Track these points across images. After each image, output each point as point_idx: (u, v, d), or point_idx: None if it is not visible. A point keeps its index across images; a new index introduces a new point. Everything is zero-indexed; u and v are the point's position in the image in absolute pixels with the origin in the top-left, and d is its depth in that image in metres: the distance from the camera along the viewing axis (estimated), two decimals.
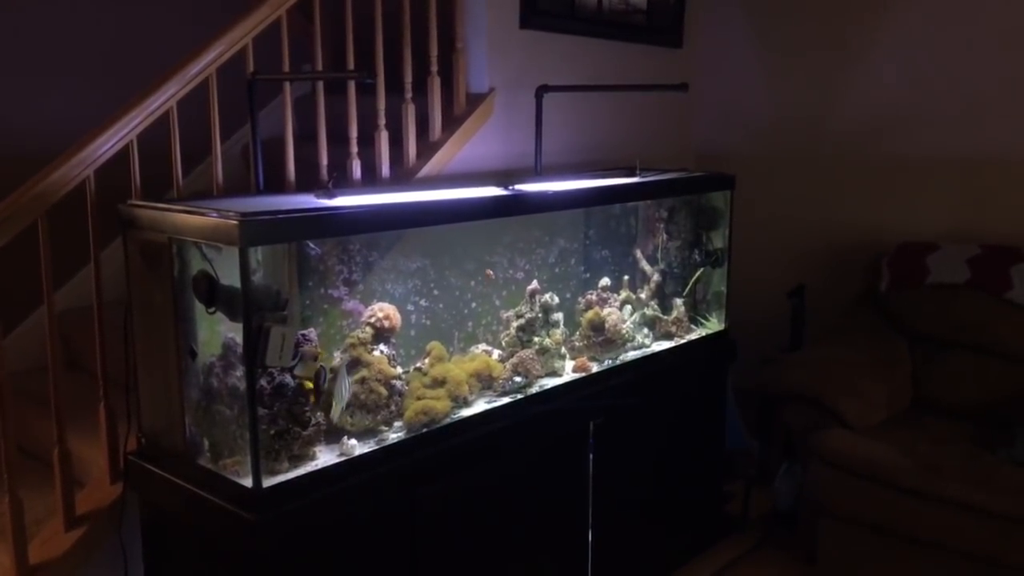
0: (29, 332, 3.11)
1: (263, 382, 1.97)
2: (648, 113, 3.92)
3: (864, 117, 3.75)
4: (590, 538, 2.74)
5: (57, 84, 3.22)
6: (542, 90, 3.01)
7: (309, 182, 2.70)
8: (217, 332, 2.04)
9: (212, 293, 1.88)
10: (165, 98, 2.34)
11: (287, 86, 2.64)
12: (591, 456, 2.68)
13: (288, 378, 2.00)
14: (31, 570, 2.20)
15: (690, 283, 3.20)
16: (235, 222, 1.77)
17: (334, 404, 2.11)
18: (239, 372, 1.98)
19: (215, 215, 1.84)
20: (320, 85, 2.73)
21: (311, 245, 2.17)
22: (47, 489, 2.46)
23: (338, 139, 2.79)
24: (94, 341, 2.35)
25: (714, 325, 3.24)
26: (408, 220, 2.23)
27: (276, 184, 2.67)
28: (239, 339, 1.98)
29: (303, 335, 2.07)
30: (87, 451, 2.45)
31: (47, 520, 2.36)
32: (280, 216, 1.87)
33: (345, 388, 2.11)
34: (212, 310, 1.90)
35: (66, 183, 2.19)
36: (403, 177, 2.90)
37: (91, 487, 2.38)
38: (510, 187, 2.55)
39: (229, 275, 1.90)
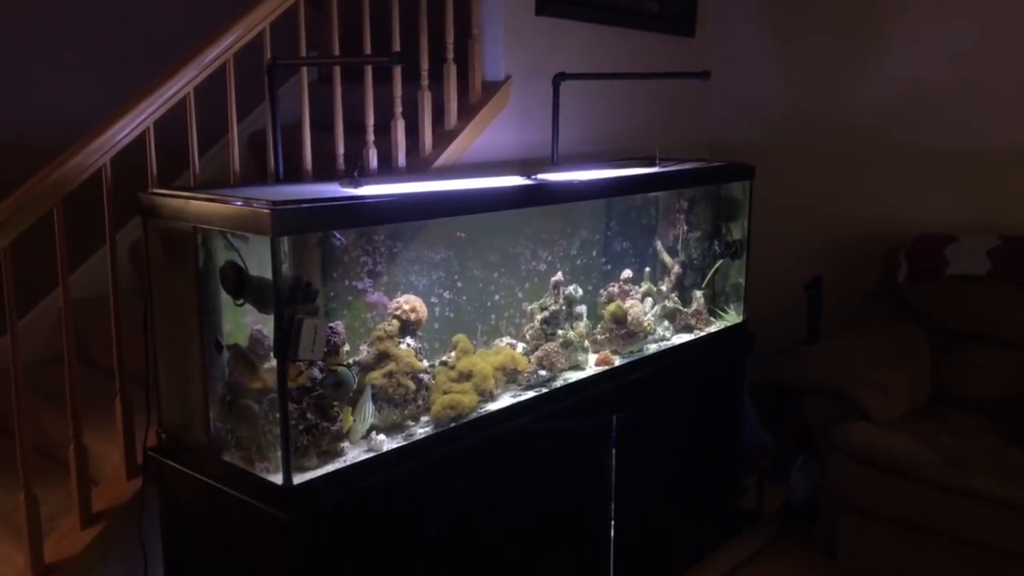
0: (32, 325, 3.04)
1: None
2: (662, 103, 3.87)
3: (880, 107, 3.72)
4: (612, 533, 2.70)
5: (70, 72, 3.15)
6: (559, 78, 2.96)
7: (324, 171, 2.65)
8: (242, 324, 1.98)
9: (241, 284, 1.82)
10: (182, 84, 2.28)
11: (304, 72, 2.58)
12: (614, 450, 2.64)
13: (317, 372, 1.95)
14: (47, 569, 2.14)
15: (709, 275, 3.16)
16: (267, 211, 1.71)
17: (355, 425, 2.04)
18: (267, 365, 1.92)
19: (244, 204, 1.78)
20: (337, 72, 2.67)
21: (337, 235, 2.11)
22: (56, 486, 2.40)
23: (349, 127, 2.73)
24: (104, 333, 2.29)
25: (732, 317, 3.20)
26: (440, 209, 2.17)
27: (289, 173, 2.61)
28: (266, 332, 1.93)
29: (331, 328, 2.01)
30: (99, 447, 2.39)
31: (58, 518, 2.31)
32: (312, 205, 1.81)
33: (368, 412, 2.04)
34: (240, 302, 1.85)
35: (83, 171, 2.12)
36: (419, 166, 2.84)
37: (106, 483, 2.33)
38: (533, 176, 2.50)
39: (255, 265, 1.84)
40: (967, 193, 3.54)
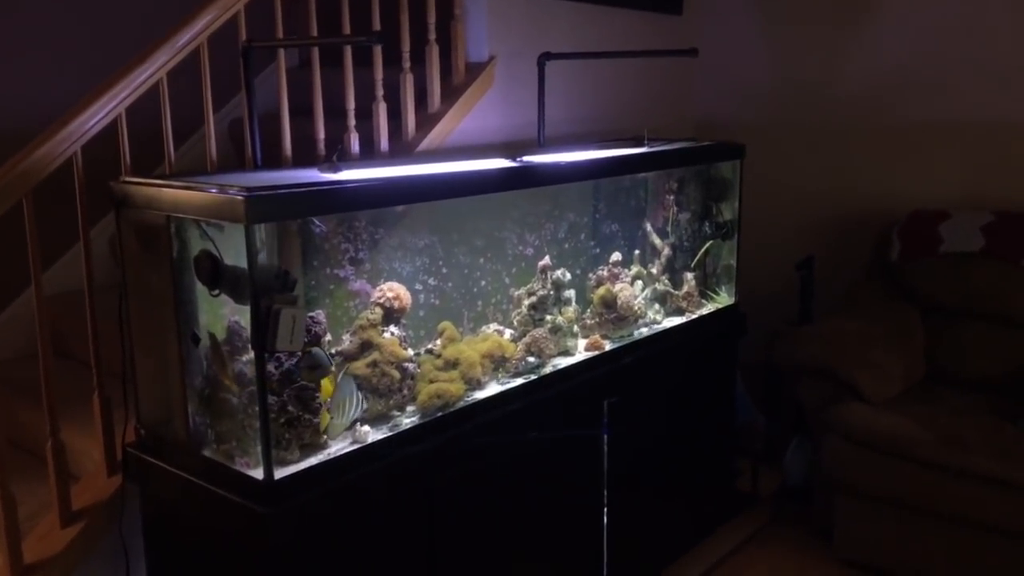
0: (12, 320, 2.99)
1: (271, 367, 1.86)
2: (650, 82, 3.81)
3: (872, 82, 3.66)
4: (605, 519, 2.66)
5: (39, 58, 3.07)
6: (544, 58, 2.90)
7: (305, 157, 2.58)
8: (220, 316, 1.92)
9: (216, 274, 1.76)
10: (155, 68, 2.21)
11: (281, 55, 2.51)
12: (605, 436, 2.60)
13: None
14: (26, 569, 2.08)
15: (698, 256, 3.11)
16: (241, 198, 1.66)
17: (334, 420, 1.96)
18: (245, 357, 1.87)
19: (218, 191, 1.72)
20: (316, 55, 2.60)
21: (316, 222, 2.05)
22: (37, 483, 2.34)
23: (330, 113, 2.67)
24: (83, 327, 2.22)
25: (724, 299, 3.15)
26: (421, 193, 2.12)
27: (270, 160, 2.55)
28: (244, 323, 1.87)
29: (311, 317, 1.95)
30: (79, 442, 2.33)
31: (38, 516, 2.25)
32: (288, 191, 1.75)
33: (350, 406, 1.96)
34: (216, 292, 1.79)
35: (52, 160, 2.05)
36: (402, 151, 2.78)
37: (87, 481, 2.27)
38: (519, 159, 2.44)
39: (232, 255, 1.78)
40: (960, 169, 3.49)
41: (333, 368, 1.98)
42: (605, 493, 2.64)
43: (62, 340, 2.96)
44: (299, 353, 1.88)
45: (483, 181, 2.28)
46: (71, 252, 3.14)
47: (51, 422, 2.13)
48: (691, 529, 3.12)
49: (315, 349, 1.90)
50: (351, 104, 2.65)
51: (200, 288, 1.84)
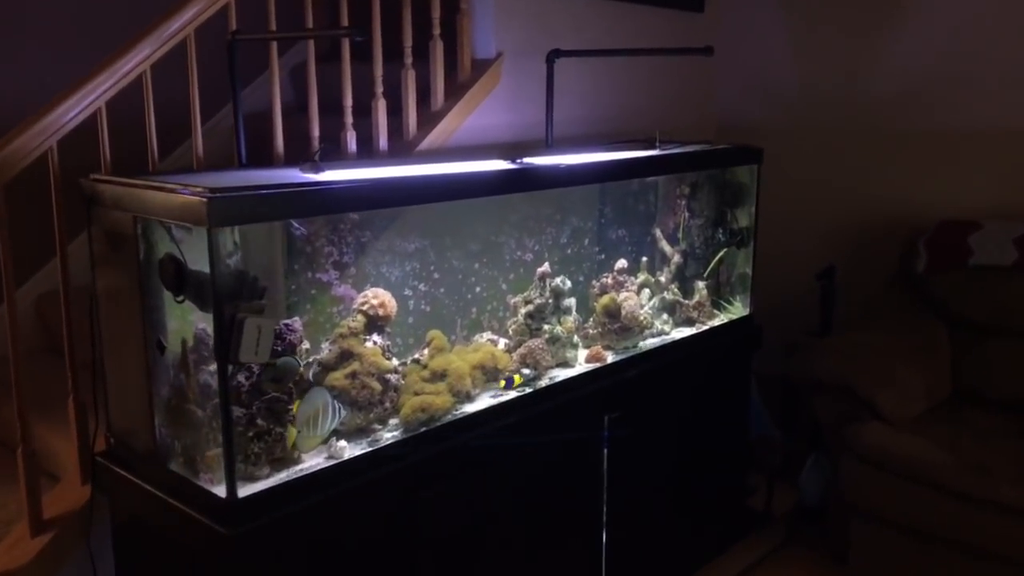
0: (2, 318, 2.93)
1: (240, 378, 1.76)
2: (667, 81, 3.67)
3: (900, 85, 3.50)
4: (604, 540, 2.54)
5: (19, 48, 3.00)
6: (554, 55, 2.79)
7: (303, 156, 2.49)
8: (189, 322, 1.83)
9: (180, 279, 1.67)
10: (138, 60, 2.13)
11: (274, 48, 2.42)
12: (606, 452, 2.48)
13: None
14: None
15: (711, 263, 2.97)
16: (203, 200, 1.56)
17: (304, 433, 1.84)
18: (211, 367, 1.77)
19: (182, 192, 1.62)
20: (312, 50, 2.51)
21: (295, 225, 1.95)
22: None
23: (335, 110, 2.57)
24: (76, 326, 2.14)
25: (738, 309, 3.01)
26: (403, 197, 2.00)
27: (267, 158, 2.46)
28: (211, 331, 1.77)
29: (286, 325, 1.85)
30: (61, 444, 2.26)
31: (18, 521, 2.18)
32: (254, 193, 1.65)
33: (328, 414, 1.85)
34: (181, 298, 1.70)
35: (26, 154, 1.98)
36: (403, 150, 2.68)
37: (61, 488, 2.19)
38: (518, 160, 2.32)
39: (201, 259, 1.68)
40: (992, 176, 3.31)
41: (302, 368, 1.88)
42: (604, 511, 2.52)
43: (58, 337, 2.89)
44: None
45: (475, 184, 2.16)
46: (71, 247, 3.07)
47: (22, 429, 2.06)
48: (700, 549, 2.99)
49: (282, 359, 1.79)
50: (348, 101, 2.56)
51: (166, 293, 1.75)
